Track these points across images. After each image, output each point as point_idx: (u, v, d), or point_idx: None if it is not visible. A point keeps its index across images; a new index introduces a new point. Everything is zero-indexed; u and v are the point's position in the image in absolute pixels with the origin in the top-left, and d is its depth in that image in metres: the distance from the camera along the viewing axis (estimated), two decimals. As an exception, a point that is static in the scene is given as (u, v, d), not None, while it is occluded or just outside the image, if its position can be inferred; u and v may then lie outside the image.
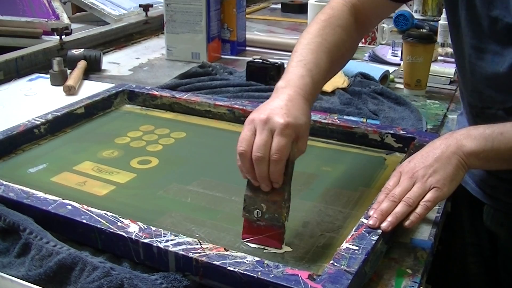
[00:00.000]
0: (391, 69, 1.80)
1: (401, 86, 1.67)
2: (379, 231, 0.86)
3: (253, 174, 0.89)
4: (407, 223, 0.90)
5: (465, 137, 0.94)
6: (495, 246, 1.20)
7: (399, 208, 0.90)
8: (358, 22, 1.15)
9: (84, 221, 0.88)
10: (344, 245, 0.83)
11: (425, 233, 0.95)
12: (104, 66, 1.90)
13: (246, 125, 0.92)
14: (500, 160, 0.95)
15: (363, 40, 2.22)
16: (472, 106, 1.11)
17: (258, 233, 0.91)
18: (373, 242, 0.83)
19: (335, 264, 0.78)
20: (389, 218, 0.89)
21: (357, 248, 0.82)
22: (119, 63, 1.98)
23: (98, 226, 0.87)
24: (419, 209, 0.91)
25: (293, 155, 0.90)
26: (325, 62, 1.04)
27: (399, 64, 1.88)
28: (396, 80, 1.75)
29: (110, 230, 0.86)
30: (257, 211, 0.90)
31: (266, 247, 0.90)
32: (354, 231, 0.86)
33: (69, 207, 0.92)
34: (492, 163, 0.96)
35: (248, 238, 0.91)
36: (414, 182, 0.93)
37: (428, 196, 0.92)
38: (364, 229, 0.86)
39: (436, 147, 0.96)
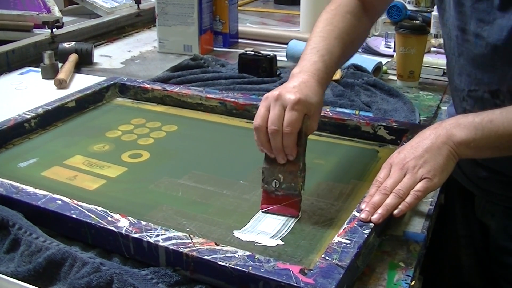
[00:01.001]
0: (384, 60, 1.80)
1: (394, 77, 1.66)
2: (371, 225, 0.85)
3: (268, 147, 0.95)
4: (395, 211, 0.89)
5: (454, 126, 0.94)
6: (486, 238, 1.20)
7: (390, 200, 0.90)
8: (366, 8, 1.18)
9: (74, 216, 0.87)
10: (336, 238, 0.82)
11: (418, 226, 0.94)
12: (95, 59, 1.89)
13: (262, 102, 0.98)
14: (491, 148, 0.94)
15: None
16: (459, 90, 1.10)
17: (276, 202, 0.96)
18: (365, 235, 0.83)
19: (327, 258, 0.78)
20: (380, 210, 0.88)
21: (349, 242, 0.81)
22: (111, 56, 1.97)
23: (88, 221, 0.86)
24: (408, 198, 0.91)
25: (306, 128, 0.96)
26: (337, 48, 1.09)
27: (392, 56, 1.87)
28: (389, 71, 1.74)
29: (100, 225, 0.85)
30: (275, 182, 0.96)
31: (284, 215, 0.95)
32: (346, 225, 0.86)
33: (59, 202, 0.91)
34: (483, 151, 0.95)
35: (267, 208, 0.96)
36: (404, 173, 0.93)
37: (419, 186, 0.91)
38: (356, 223, 0.86)
39: (426, 137, 0.95)
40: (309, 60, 1.05)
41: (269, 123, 0.94)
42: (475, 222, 1.21)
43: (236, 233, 0.90)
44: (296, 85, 0.97)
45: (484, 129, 0.92)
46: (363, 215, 0.88)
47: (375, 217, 0.88)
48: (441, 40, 1.95)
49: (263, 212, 0.96)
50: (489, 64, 1.01)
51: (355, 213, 0.89)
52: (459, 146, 0.92)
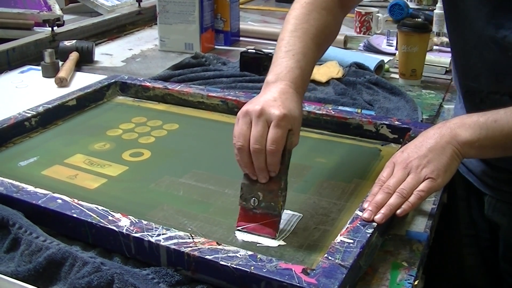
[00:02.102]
0: (386, 58, 1.79)
1: (396, 76, 1.66)
2: (374, 224, 0.85)
3: (251, 168, 0.89)
4: (399, 211, 0.89)
5: (459, 126, 0.93)
6: (495, 237, 1.19)
7: (393, 200, 0.89)
8: (341, 3, 1.13)
9: (75, 215, 0.87)
10: (339, 238, 0.81)
11: (421, 225, 0.94)
12: (96, 57, 1.88)
13: (241, 117, 0.92)
14: (495, 148, 0.94)
15: (357, 30, 2.20)
16: (476, 92, 1.09)
17: (254, 221, 0.90)
18: (368, 235, 0.82)
19: (330, 258, 0.77)
20: (383, 210, 0.88)
21: (351, 241, 0.80)
22: (112, 54, 1.97)
23: (89, 220, 0.85)
24: (411, 198, 0.90)
25: (289, 145, 0.89)
26: (312, 50, 1.03)
27: (394, 54, 1.86)
28: (391, 70, 1.73)
29: (101, 224, 0.85)
30: (254, 199, 0.90)
31: (260, 235, 0.89)
32: (348, 224, 0.85)
33: (59, 201, 0.90)
34: (487, 151, 0.95)
35: (243, 226, 0.91)
36: (408, 173, 0.92)
37: (422, 186, 0.91)
38: (359, 222, 0.85)
39: (430, 137, 0.95)
40: (285, 66, 0.98)
41: (251, 141, 0.88)
42: (482, 221, 1.20)
43: (238, 233, 0.90)
44: (277, 97, 0.91)
45: (489, 129, 0.91)
46: (366, 215, 0.87)
47: (378, 216, 0.87)
48: (443, 39, 1.94)
49: (238, 230, 0.90)
50: (510, 67, 1.01)
51: (357, 212, 0.88)
52: (464, 146, 0.92)
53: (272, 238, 0.89)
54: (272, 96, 0.91)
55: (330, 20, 1.09)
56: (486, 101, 1.06)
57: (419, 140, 0.95)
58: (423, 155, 0.92)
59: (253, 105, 0.91)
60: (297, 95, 0.94)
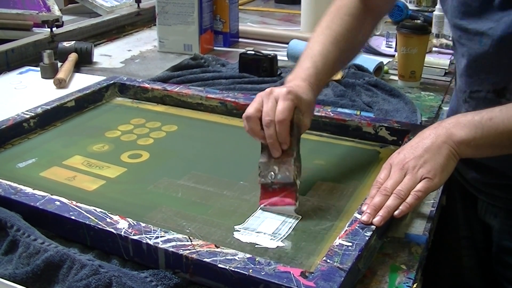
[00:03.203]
0: (385, 60, 1.79)
1: (396, 77, 1.66)
2: (373, 227, 0.85)
3: (261, 134, 0.98)
4: (396, 212, 0.89)
5: (454, 126, 0.94)
6: (488, 238, 1.19)
7: (391, 202, 0.90)
8: (369, 8, 1.18)
9: (73, 217, 0.86)
10: (337, 241, 0.81)
11: (420, 228, 0.94)
12: (95, 58, 1.88)
13: (254, 99, 1.00)
14: (492, 146, 0.94)
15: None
16: (461, 91, 1.10)
17: (273, 196, 0.96)
18: (367, 238, 0.82)
19: (328, 261, 0.77)
20: (381, 213, 0.88)
21: (350, 244, 0.80)
22: (111, 55, 1.96)
23: (87, 222, 0.85)
24: (409, 199, 0.90)
25: (297, 120, 0.99)
26: (332, 53, 1.11)
27: (393, 56, 1.86)
28: (390, 71, 1.73)
29: (99, 226, 0.84)
30: (271, 174, 0.97)
31: (282, 208, 0.95)
32: (347, 227, 0.85)
33: (58, 203, 0.90)
34: (483, 150, 0.95)
35: (265, 203, 0.96)
36: (404, 174, 0.92)
37: (419, 186, 0.91)
38: (358, 225, 0.85)
39: (426, 137, 0.95)
40: (302, 67, 1.09)
41: (263, 114, 0.96)
42: (477, 223, 1.20)
43: (236, 235, 0.90)
44: (288, 86, 1.01)
45: (484, 127, 0.91)
46: (364, 218, 0.87)
47: (376, 219, 0.87)
48: (442, 40, 1.94)
49: (262, 208, 0.96)
50: (494, 63, 1.00)
51: (356, 215, 0.88)
52: (459, 145, 0.92)
53: (294, 207, 0.94)
54: (285, 87, 1.00)
55: (355, 25, 1.16)
56: (469, 101, 1.07)
57: (415, 141, 0.96)
58: (419, 155, 0.93)
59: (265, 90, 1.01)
60: (309, 88, 1.04)
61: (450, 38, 1.89)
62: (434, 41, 1.94)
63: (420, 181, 0.91)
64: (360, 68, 1.65)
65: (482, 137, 0.92)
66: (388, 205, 0.89)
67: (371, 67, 1.65)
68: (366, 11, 1.17)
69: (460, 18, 1.03)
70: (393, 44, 1.93)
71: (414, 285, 0.81)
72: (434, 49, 1.90)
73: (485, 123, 0.92)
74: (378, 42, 2.02)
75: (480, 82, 1.03)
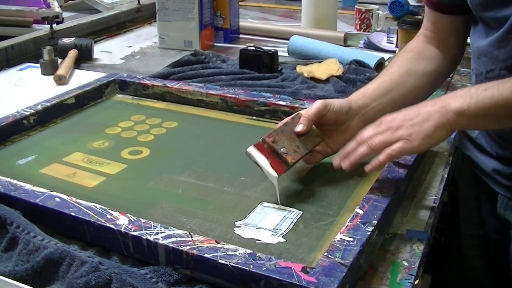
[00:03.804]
0: (386, 56, 1.78)
1: (397, 73, 1.65)
2: (374, 222, 0.84)
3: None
4: (366, 168, 0.92)
5: (451, 97, 0.95)
6: (506, 238, 1.18)
7: (361, 149, 0.93)
8: (438, 47, 1.19)
9: (73, 213, 0.86)
10: (339, 236, 0.81)
11: (421, 224, 0.93)
12: (95, 55, 1.88)
13: None
14: (487, 117, 0.94)
15: (357, 27, 2.20)
16: (478, 74, 1.10)
17: (266, 152, 0.97)
18: (368, 233, 0.81)
19: (329, 256, 0.76)
20: (350, 158, 0.92)
21: (351, 239, 0.80)
22: (111, 51, 1.96)
23: (87, 218, 0.85)
24: (381, 156, 0.92)
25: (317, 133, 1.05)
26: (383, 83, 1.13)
27: (394, 51, 1.86)
28: (391, 67, 1.72)
29: (99, 222, 0.84)
30: (279, 140, 0.99)
31: (267, 168, 0.96)
32: (348, 222, 0.84)
33: (57, 199, 0.90)
34: (478, 120, 0.94)
35: (259, 151, 0.97)
36: (386, 130, 0.94)
37: (395, 145, 0.92)
38: (359, 220, 0.84)
39: (423, 105, 0.96)
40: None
41: None
42: (493, 221, 1.20)
43: (237, 230, 0.89)
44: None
45: (479, 96, 0.92)
46: (335, 162, 0.92)
47: (345, 164, 0.92)
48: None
49: (253, 148, 0.97)
50: (504, 39, 1.01)
51: (357, 210, 0.87)
52: (454, 115, 0.92)
53: (276, 175, 0.95)
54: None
55: (413, 68, 1.16)
56: (486, 82, 1.07)
57: (413, 107, 0.97)
58: (409, 118, 0.94)
59: None
60: (346, 100, 1.07)
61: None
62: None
63: (398, 141, 0.92)
64: (361, 64, 1.64)
65: (477, 106, 0.92)
66: (357, 152, 0.93)
67: (372, 63, 1.65)
68: (434, 49, 1.19)
69: (488, 10, 1.04)
70: (394, 39, 1.92)
71: (416, 282, 0.80)
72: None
73: (480, 93, 0.92)
74: (379, 38, 2.01)
75: (493, 60, 1.04)
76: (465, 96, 0.93)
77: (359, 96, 1.09)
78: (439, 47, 1.18)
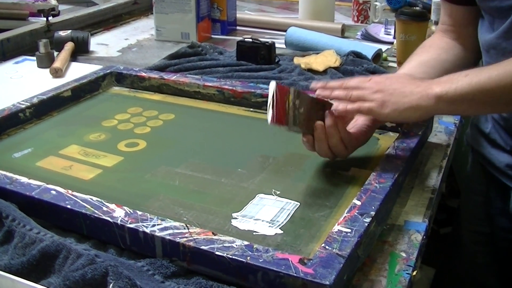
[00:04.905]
0: (384, 47, 1.78)
1: (394, 64, 1.65)
2: (372, 213, 0.83)
3: None
4: (334, 110, 0.97)
5: (436, 82, 0.96)
6: None
7: (338, 92, 0.98)
8: (456, 38, 1.20)
9: (69, 206, 0.85)
10: (336, 227, 0.80)
11: (419, 215, 0.93)
12: (92, 47, 1.87)
13: None
14: (465, 102, 0.95)
15: (355, 19, 2.19)
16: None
17: (281, 96, 0.94)
18: (366, 224, 0.81)
19: (327, 247, 0.76)
20: (325, 91, 0.99)
21: (349, 230, 0.79)
22: (108, 44, 1.95)
23: (83, 211, 0.84)
24: (350, 105, 0.97)
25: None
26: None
27: (392, 43, 1.85)
28: (389, 58, 1.72)
29: (95, 215, 0.83)
30: (293, 97, 0.95)
31: (271, 109, 0.93)
32: (346, 213, 0.84)
33: (54, 192, 0.89)
34: (458, 105, 0.96)
35: (278, 89, 0.93)
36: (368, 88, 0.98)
37: (366, 103, 0.96)
38: (357, 211, 0.84)
39: (412, 81, 0.98)
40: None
41: None
42: (503, 218, 1.19)
43: (234, 222, 0.89)
44: None
45: (459, 82, 0.94)
46: (312, 84, 1.00)
47: (318, 91, 0.99)
48: (441, 26, 1.93)
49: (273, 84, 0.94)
50: (511, 30, 1.02)
51: (355, 201, 0.87)
52: (433, 100, 0.95)
53: (268, 121, 0.93)
54: None
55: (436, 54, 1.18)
56: None
57: (406, 78, 1.00)
58: (393, 87, 0.97)
59: None
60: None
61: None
62: (433, 28, 1.92)
63: (372, 101, 0.96)
64: (358, 55, 1.63)
65: (456, 92, 0.93)
66: (335, 93, 0.99)
67: (369, 54, 1.64)
68: (455, 42, 1.20)
69: (491, 0, 1.04)
70: (392, 31, 1.92)
71: (414, 273, 0.80)
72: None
73: (460, 78, 0.94)
74: (376, 29, 2.00)
75: (503, 52, 1.03)
76: (447, 82, 0.95)
77: None
78: (457, 39, 1.19)
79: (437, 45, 1.19)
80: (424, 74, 1.09)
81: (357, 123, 1.04)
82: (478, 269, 1.28)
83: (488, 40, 1.08)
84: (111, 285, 0.71)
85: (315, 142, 1.00)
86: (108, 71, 1.47)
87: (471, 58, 1.20)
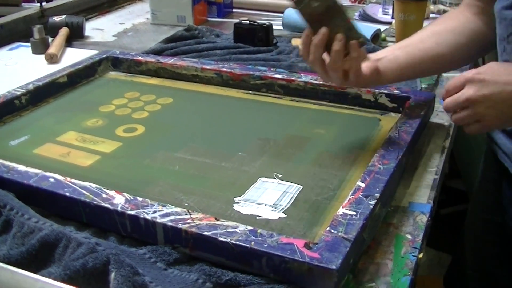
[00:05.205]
0: (382, 27, 1.75)
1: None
2: (377, 195, 0.82)
3: None
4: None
5: None
6: None
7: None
8: (480, 15, 1.13)
9: (67, 194, 0.84)
10: (341, 210, 0.79)
11: (424, 197, 0.91)
12: (87, 32, 1.85)
13: None
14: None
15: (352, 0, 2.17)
16: (501, 40, 1.06)
17: None
18: (371, 206, 0.79)
19: (332, 231, 0.74)
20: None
21: (354, 213, 0.78)
22: (103, 29, 1.93)
23: (82, 199, 0.83)
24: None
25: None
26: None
27: (390, 23, 1.83)
28: (388, 38, 1.70)
29: (95, 202, 0.82)
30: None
31: None
32: (350, 196, 0.82)
33: (52, 180, 0.88)
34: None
35: None
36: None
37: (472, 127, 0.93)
38: (361, 193, 0.82)
39: None
40: None
41: None
42: None
43: (236, 207, 0.87)
44: None
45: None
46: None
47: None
48: (440, 6, 1.91)
49: None
50: None
51: (359, 183, 0.85)
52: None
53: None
54: None
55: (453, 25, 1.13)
56: (507, 47, 1.03)
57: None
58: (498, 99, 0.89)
59: None
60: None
61: (448, 5, 1.87)
62: (432, 7, 1.91)
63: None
64: (357, 35, 1.61)
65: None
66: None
67: (368, 34, 1.62)
68: (475, 16, 1.14)
69: None
70: (390, 11, 1.90)
71: (420, 255, 0.79)
72: (431, 15, 1.87)
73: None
74: (374, 9, 1.98)
75: None
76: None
77: (392, 67, 1.08)
78: (479, 14, 1.13)
79: (456, 17, 1.15)
80: (435, 44, 1.08)
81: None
82: (488, 259, 1.26)
83: (499, 11, 1.04)
84: (113, 273, 0.69)
85: (333, 54, 0.97)
86: (104, 55, 1.46)
87: (490, 36, 1.17)
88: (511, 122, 0.92)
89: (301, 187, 0.92)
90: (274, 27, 1.65)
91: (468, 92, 0.89)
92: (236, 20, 1.69)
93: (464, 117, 0.91)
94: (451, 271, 1.44)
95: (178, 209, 0.79)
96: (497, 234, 1.23)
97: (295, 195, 0.90)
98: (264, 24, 1.61)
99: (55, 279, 0.69)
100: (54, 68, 1.44)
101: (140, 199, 0.82)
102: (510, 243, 1.20)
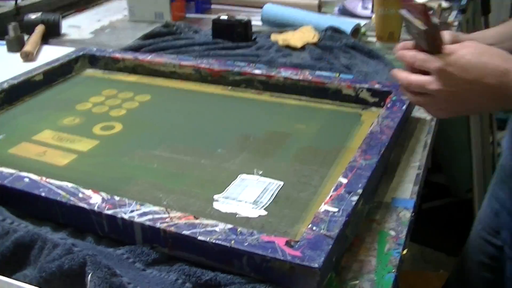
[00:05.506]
0: (362, 22, 1.74)
1: (373, 39, 1.62)
2: (359, 191, 0.81)
3: None
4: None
5: None
6: None
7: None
8: None
9: (43, 194, 0.82)
10: (323, 207, 0.77)
11: (407, 192, 0.90)
12: (64, 30, 1.82)
13: None
14: None
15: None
16: None
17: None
18: (353, 203, 0.78)
19: (314, 228, 0.73)
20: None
21: (336, 210, 0.76)
22: (80, 26, 1.91)
23: (58, 199, 0.80)
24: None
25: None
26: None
27: (369, 18, 1.83)
28: (368, 33, 1.69)
29: (71, 202, 0.80)
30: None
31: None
32: (332, 192, 0.81)
33: (27, 180, 0.85)
34: None
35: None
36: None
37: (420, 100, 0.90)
38: (343, 189, 0.81)
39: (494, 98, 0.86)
40: None
41: None
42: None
43: (216, 205, 0.86)
44: None
45: None
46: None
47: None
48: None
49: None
50: None
51: (341, 179, 0.84)
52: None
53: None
54: None
55: None
56: None
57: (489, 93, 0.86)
58: (458, 101, 0.87)
59: None
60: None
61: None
62: (411, 0, 1.90)
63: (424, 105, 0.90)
64: (337, 30, 1.60)
65: None
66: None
67: (348, 29, 1.61)
68: None
69: None
70: (369, 6, 1.89)
71: (404, 252, 0.77)
72: (411, 8, 1.86)
73: None
74: (354, 4, 1.97)
75: None
76: None
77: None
78: None
79: None
80: (498, 45, 1.01)
81: None
82: (482, 282, 1.26)
83: None
84: (89, 275, 0.67)
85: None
86: (81, 53, 1.43)
87: None
88: (456, 115, 0.91)
89: (282, 183, 0.91)
90: (253, 22, 1.63)
91: (436, 84, 0.86)
92: (215, 16, 1.67)
93: (422, 103, 0.90)
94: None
95: (157, 208, 0.78)
96: (493, 258, 1.23)
97: (276, 192, 0.89)
98: (243, 19, 1.60)
99: (31, 281, 0.67)
100: (30, 66, 1.41)
101: (117, 198, 0.80)
102: (504, 271, 1.20)
